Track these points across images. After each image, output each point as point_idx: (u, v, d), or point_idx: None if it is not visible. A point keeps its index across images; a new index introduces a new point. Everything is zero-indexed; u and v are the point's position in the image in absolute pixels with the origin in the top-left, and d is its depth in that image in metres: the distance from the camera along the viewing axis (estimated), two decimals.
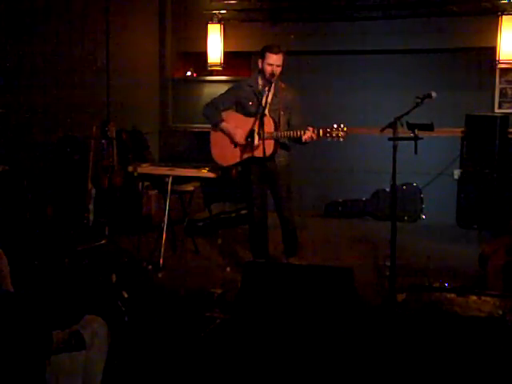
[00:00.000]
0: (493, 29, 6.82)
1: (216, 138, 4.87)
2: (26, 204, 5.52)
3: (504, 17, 6.77)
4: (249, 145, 4.68)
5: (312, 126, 4.56)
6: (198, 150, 7.92)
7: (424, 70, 7.17)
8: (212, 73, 8.08)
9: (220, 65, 7.83)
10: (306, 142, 4.63)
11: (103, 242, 5.82)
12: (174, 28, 8.27)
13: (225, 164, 4.91)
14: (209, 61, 7.84)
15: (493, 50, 6.83)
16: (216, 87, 8.19)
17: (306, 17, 7.54)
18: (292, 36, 7.46)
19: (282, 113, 4.72)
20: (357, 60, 7.47)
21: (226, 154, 4.82)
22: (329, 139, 4.54)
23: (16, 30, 5.78)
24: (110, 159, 6.17)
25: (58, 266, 4.78)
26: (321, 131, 4.52)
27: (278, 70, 4.66)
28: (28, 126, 5.90)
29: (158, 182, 5.74)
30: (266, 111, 4.69)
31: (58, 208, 5.98)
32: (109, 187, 6.20)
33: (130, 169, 5.56)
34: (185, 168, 5.53)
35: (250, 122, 4.68)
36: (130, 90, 7.28)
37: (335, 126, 4.54)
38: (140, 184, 6.45)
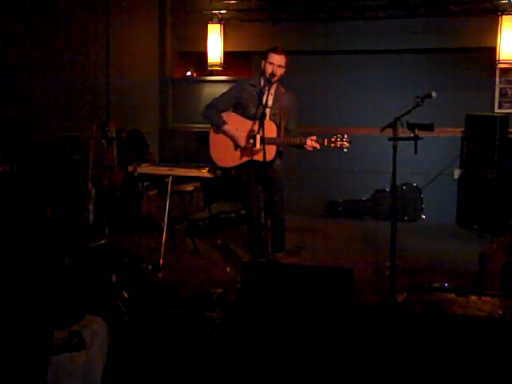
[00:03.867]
0: (493, 29, 6.83)
1: (216, 139, 4.88)
2: (26, 204, 5.52)
3: (504, 17, 6.78)
4: (250, 148, 4.68)
5: (316, 136, 4.59)
6: (198, 150, 7.93)
7: (424, 70, 7.17)
8: (212, 73, 8.08)
9: (220, 65, 7.83)
10: (303, 147, 4.66)
11: (103, 241, 5.82)
12: (174, 28, 8.28)
13: (224, 165, 4.93)
14: (209, 61, 7.85)
15: (493, 50, 6.83)
16: (216, 87, 8.19)
17: (306, 17, 7.54)
18: (292, 36, 7.47)
19: (282, 118, 4.75)
20: (357, 60, 7.47)
21: (226, 155, 4.83)
22: (333, 148, 4.57)
23: (16, 30, 5.78)
24: (110, 159, 6.17)
25: (58, 266, 4.77)
26: (325, 141, 4.55)
27: (278, 71, 4.66)
28: (28, 125, 5.90)
29: (158, 181, 5.75)
30: (267, 115, 4.71)
31: (57, 208, 5.98)
32: (109, 187, 6.20)
33: (130, 169, 5.56)
34: (185, 168, 5.53)
35: (250, 124, 4.69)
36: (130, 90, 7.29)
37: (339, 136, 4.56)
38: (140, 184, 6.45)
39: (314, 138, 4.56)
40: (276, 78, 4.66)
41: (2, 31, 5.62)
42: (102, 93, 6.90)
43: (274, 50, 4.67)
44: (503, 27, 6.76)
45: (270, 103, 4.72)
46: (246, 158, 4.76)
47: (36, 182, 5.80)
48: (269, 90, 4.68)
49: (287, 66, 4.71)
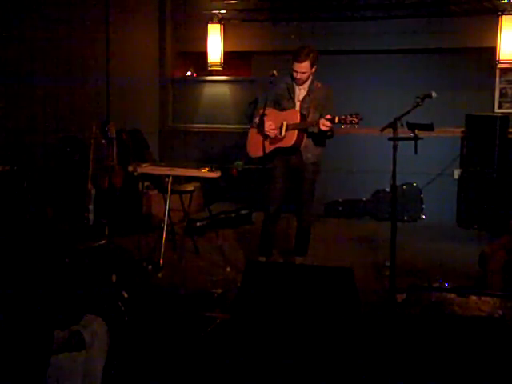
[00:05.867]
0: (493, 29, 6.83)
1: (251, 133, 5.02)
2: (26, 204, 5.52)
3: (504, 17, 6.78)
4: (276, 137, 4.80)
5: (330, 115, 4.63)
6: (198, 150, 7.96)
7: (424, 69, 7.17)
8: (212, 73, 8.08)
9: (220, 65, 7.84)
10: (330, 135, 4.75)
11: (103, 241, 5.82)
12: (174, 28, 8.28)
13: (253, 155, 5.01)
14: (209, 61, 7.85)
15: (493, 50, 6.84)
16: (216, 87, 8.21)
17: (306, 17, 7.54)
18: (292, 36, 7.47)
19: (313, 110, 4.82)
20: (357, 60, 7.47)
21: (256, 145, 4.90)
22: (342, 126, 4.61)
23: (16, 30, 5.78)
24: (110, 159, 6.16)
25: (58, 265, 4.78)
26: (336, 118, 4.58)
27: (303, 76, 4.77)
28: (28, 125, 5.90)
29: (158, 181, 5.74)
30: (297, 108, 4.84)
31: (58, 208, 5.98)
32: (109, 187, 6.20)
33: (130, 169, 5.56)
34: (185, 168, 5.53)
35: (282, 116, 4.82)
36: (130, 90, 7.28)
37: (351, 114, 4.60)
38: (140, 184, 6.45)
39: (329, 116, 4.60)
40: (303, 81, 4.80)
41: (3, 31, 5.63)
42: (102, 93, 6.89)
43: (296, 59, 4.73)
44: (503, 27, 6.77)
45: (300, 97, 4.86)
46: (272, 146, 4.85)
47: (36, 182, 5.80)
48: (301, 85, 4.83)
49: (314, 63, 4.78)
